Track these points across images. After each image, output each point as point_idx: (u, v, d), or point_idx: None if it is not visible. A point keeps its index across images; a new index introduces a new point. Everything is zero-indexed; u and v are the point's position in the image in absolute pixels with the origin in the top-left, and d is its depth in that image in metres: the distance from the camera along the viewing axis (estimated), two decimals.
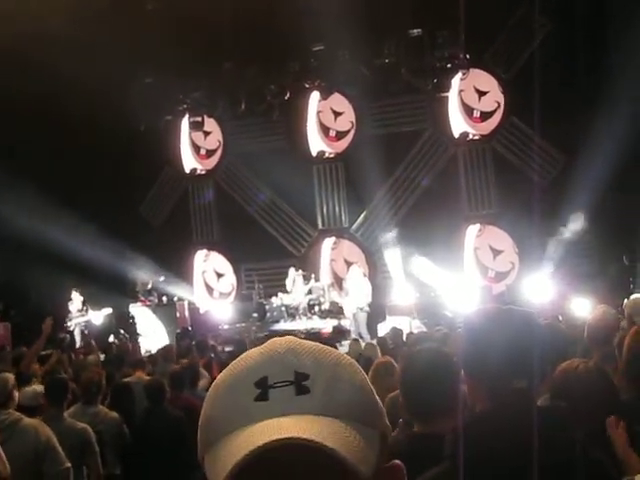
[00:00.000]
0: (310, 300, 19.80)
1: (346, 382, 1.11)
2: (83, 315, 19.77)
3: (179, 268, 22.96)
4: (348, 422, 1.06)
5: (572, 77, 18.12)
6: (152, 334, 19.91)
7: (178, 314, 21.21)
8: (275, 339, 1.17)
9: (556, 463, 2.22)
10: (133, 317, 21.07)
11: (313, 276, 20.66)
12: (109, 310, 20.41)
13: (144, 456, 7.63)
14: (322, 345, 1.17)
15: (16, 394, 6.32)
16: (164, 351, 13.03)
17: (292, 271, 20.42)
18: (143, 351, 15.66)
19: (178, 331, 19.89)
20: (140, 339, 19.35)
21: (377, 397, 1.15)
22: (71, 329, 19.57)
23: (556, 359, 4.03)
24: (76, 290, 19.84)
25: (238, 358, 1.16)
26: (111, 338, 19.32)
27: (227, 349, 14.67)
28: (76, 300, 19.84)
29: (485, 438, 2.33)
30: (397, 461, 1.15)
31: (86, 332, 19.49)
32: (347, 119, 22.76)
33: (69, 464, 6.04)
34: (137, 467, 7.78)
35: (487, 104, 21.27)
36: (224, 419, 1.08)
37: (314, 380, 1.08)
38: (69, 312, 19.81)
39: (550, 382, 3.54)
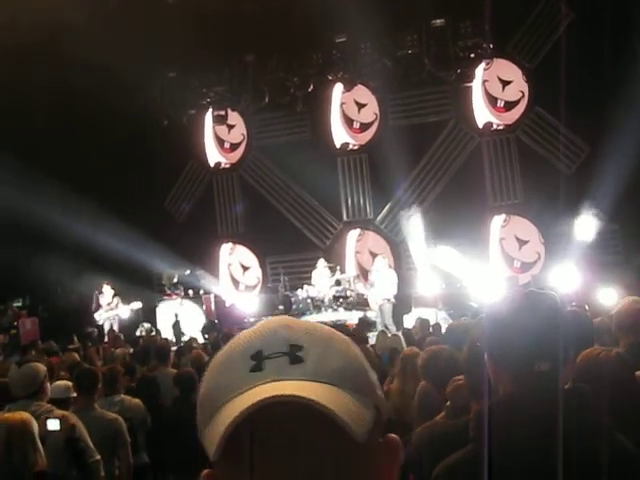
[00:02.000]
0: (336, 292, 19.80)
1: (339, 353, 1.13)
2: (112, 309, 19.90)
3: (205, 261, 23.03)
4: (342, 388, 1.08)
5: (596, 66, 17.98)
6: (174, 326, 19.97)
7: (204, 307, 21.32)
8: (269, 318, 1.20)
9: (580, 445, 2.22)
10: (160, 310, 21.23)
11: (339, 268, 20.66)
12: (139, 304, 20.52)
13: (175, 445, 7.68)
14: (316, 323, 1.20)
15: (48, 386, 6.35)
16: (190, 344, 13.12)
17: (321, 262, 20.41)
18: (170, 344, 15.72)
19: (204, 324, 19.99)
20: (167, 332, 19.44)
21: (372, 372, 1.17)
22: (101, 323, 19.71)
23: (581, 346, 4.03)
24: (107, 284, 19.97)
25: (234, 337, 1.18)
26: (138, 332, 19.45)
27: None
28: (107, 294, 19.98)
29: (508, 421, 2.33)
30: (393, 435, 1.16)
31: (114, 326, 19.63)
32: (371, 111, 22.73)
33: (99, 456, 6.06)
34: (168, 456, 7.84)
35: (511, 94, 21.18)
36: (221, 391, 1.09)
37: (308, 351, 1.11)
38: (100, 306, 19.95)
39: (574, 369, 3.55)
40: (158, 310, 21.40)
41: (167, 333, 19.10)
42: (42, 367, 6.43)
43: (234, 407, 1.03)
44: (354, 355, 1.15)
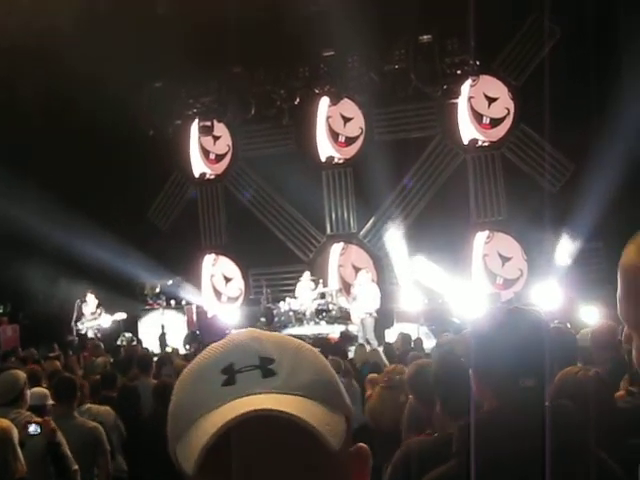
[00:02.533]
0: (319, 305, 19.77)
1: (309, 365, 1.13)
2: (96, 319, 19.79)
3: (187, 272, 22.97)
4: (313, 399, 1.08)
5: (582, 84, 18.08)
6: (160, 337, 19.91)
7: (186, 318, 21.25)
8: (238, 331, 1.21)
9: (565, 461, 2.22)
10: (142, 321, 21.17)
11: (321, 281, 20.65)
12: (123, 315, 20.42)
13: (151, 457, 7.64)
14: (282, 334, 1.22)
15: (27, 393, 6.32)
16: (171, 354, 13.08)
17: (306, 275, 20.40)
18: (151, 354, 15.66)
19: (186, 334, 19.94)
20: (149, 342, 19.37)
21: (339, 382, 1.18)
22: (83, 332, 19.59)
23: (565, 362, 4.04)
24: (91, 293, 19.88)
25: (204, 350, 1.17)
26: (119, 341, 19.36)
27: None
28: (91, 303, 19.87)
29: (491, 436, 2.33)
30: (362, 444, 1.17)
31: (98, 335, 19.52)
32: (356, 125, 22.76)
33: (76, 466, 6.04)
34: (145, 468, 7.80)
35: (497, 111, 21.25)
36: (193, 407, 1.09)
37: (279, 363, 1.11)
38: (82, 315, 19.85)
39: (552, 386, 3.55)
40: (140, 320, 21.33)
41: (149, 343, 19.04)
42: (22, 374, 6.40)
43: (212, 421, 1.03)
44: (323, 366, 1.16)
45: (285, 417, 1.01)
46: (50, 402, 6.83)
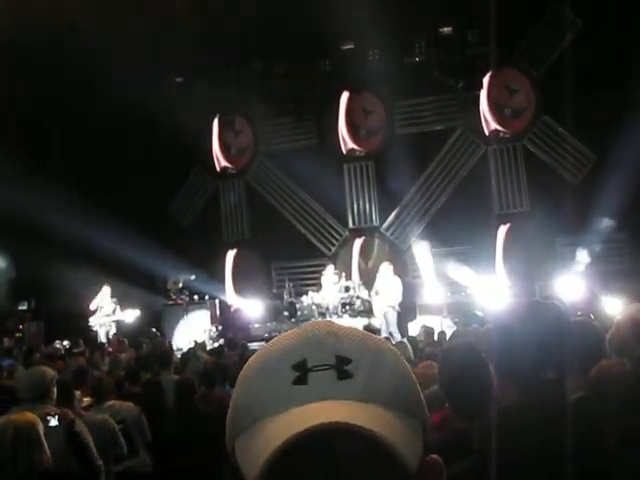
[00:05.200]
0: (342, 299, 19.72)
1: (389, 369, 1.05)
2: (109, 316, 19.75)
3: (210, 267, 22.99)
4: (392, 410, 1.01)
5: (604, 75, 17.99)
6: (183, 332, 19.98)
7: (209, 313, 21.29)
8: (313, 321, 1.13)
9: (585, 454, 2.22)
10: (163, 316, 21.23)
11: (344, 275, 20.62)
12: (137, 312, 20.40)
13: (173, 452, 7.69)
14: (362, 330, 1.12)
15: (54, 390, 6.36)
16: (195, 349, 13.12)
17: (330, 268, 20.37)
18: (175, 349, 15.70)
19: (210, 329, 20.00)
20: (172, 337, 19.44)
21: (419, 388, 1.09)
22: (95, 328, 19.57)
23: (590, 356, 4.02)
24: (108, 286, 19.83)
25: (274, 339, 1.11)
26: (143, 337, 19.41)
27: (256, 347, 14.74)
28: (106, 298, 19.82)
29: (514, 430, 2.33)
30: (434, 455, 1.08)
31: (111, 332, 19.50)
32: (377, 118, 22.71)
33: (100, 461, 6.10)
34: (166, 462, 7.84)
35: (518, 102, 21.16)
36: (259, 403, 1.03)
37: (356, 364, 1.03)
38: (98, 309, 19.85)
39: (586, 380, 3.54)
40: (164, 315, 21.38)
41: (174, 338, 19.12)
42: (50, 371, 6.45)
43: (280, 428, 0.96)
44: (404, 369, 1.09)
45: (365, 434, 0.94)
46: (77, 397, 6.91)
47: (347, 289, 19.89)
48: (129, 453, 7.33)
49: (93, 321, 19.51)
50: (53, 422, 5.75)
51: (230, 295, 23.33)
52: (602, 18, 18.10)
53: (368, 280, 20.25)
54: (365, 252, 22.71)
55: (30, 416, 5.30)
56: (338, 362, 1.03)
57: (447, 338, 12.89)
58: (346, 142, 22.90)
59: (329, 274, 20.04)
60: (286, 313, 20.19)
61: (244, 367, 1.10)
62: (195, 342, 15.96)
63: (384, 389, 1.02)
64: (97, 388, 7.94)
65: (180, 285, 21.72)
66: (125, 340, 16.28)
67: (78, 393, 7.69)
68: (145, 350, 13.91)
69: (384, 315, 18.06)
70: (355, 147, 22.88)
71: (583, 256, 18.10)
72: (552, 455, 2.19)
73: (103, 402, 7.76)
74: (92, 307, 19.55)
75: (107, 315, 19.55)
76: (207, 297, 21.90)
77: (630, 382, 3.61)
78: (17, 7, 17.42)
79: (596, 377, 3.63)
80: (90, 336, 18.66)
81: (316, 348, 1.04)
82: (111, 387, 8.25)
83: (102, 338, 18.87)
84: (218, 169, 24.54)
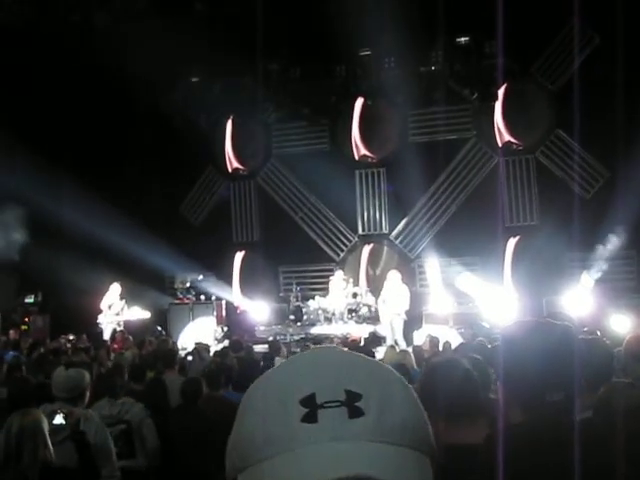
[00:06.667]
0: (349, 305, 19.70)
1: (399, 403, 1.01)
2: (117, 315, 19.72)
3: (218, 267, 23.00)
4: (404, 449, 0.97)
5: (619, 91, 17.96)
6: (189, 332, 19.98)
7: (215, 313, 21.29)
8: (319, 348, 1.10)
9: (588, 475, 2.21)
10: (169, 315, 21.22)
11: (351, 281, 20.61)
12: (147, 314, 20.41)
13: (175, 453, 7.69)
14: (371, 359, 1.08)
15: (88, 394, 6.45)
16: (200, 349, 13.12)
17: (339, 273, 20.37)
18: (180, 348, 15.72)
19: (215, 330, 20.00)
20: (177, 336, 19.44)
21: (427, 419, 1.05)
22: (103, 325, 19.55)
23: (598, 376, 4.01)
24: (117, 283, 19.81)
25: (278, 366, 1.07)
26: (149, 335, 19.41)
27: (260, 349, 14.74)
28: (115, 296, 19.82)
29: (517, 450, 2.32)
30: None
31: (121, 328, 19.49)
32: (391, 125, 22.68)
33: (118, 472, 6.20)
34: (168, 463, 7.84)
35: (532, 115, 21.13)
36: (264, 439, 0.97)
37: (367, 400, 0.98)
38: (110, 306, 19.85)
39: (595, 399, 3.53)
40: (169, 315, 21.38)
41: (179, 338, 19.13)
42: (87, 374, 6.53)
43: (295, 474, 0.92)
44: (413, 401, 1.04)
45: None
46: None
47: (355, 295, 19.87)
48: (127, 455, 7.33)
49: (102, 319, 19.49)
50: (58, 420, 5.79)
51: (237, 296, 23.33)
52: (620, 34, 18.07)
53: (375, 287, 20.23)
54: (373, 259, 22.72)
55: (36, 413, 5.35)
56: (348, 398, 0.98)
57: (452, 348, 12.89)
58: (358, 148, 22.89)
59: (338, 279, 20.03)
60: (292, 317, 20.18)
61: (245, 396, 1.06)
62: (199, 343, 15.94)
63: (394, 425, 0.98)
64: (111, 384, 7.98)
65: (187, 284, 21.72)
66: (130, 337, 16.29)
67: None
68: (149, 348, 13.93)
69: (390, 323, 18.05)
70: (367, 153, 22.86)
71: (591, 272, 18.07)
72: (553, 476, 2.19)
73: (118, 398, 7.80)
74: (102, 305, 19.54)
75: (117, 314, 19.55)
76: (214, 298, 21.89)
77: (639, 402, 3.60)
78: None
79: (605, 396, 3.62)
80: (95, 332, 18.67)
81: (324, 381, 1.00)
82: (121, 383, 8.30)
83: (108, 336, 18.82)
84: (230, 170, 24.54)
